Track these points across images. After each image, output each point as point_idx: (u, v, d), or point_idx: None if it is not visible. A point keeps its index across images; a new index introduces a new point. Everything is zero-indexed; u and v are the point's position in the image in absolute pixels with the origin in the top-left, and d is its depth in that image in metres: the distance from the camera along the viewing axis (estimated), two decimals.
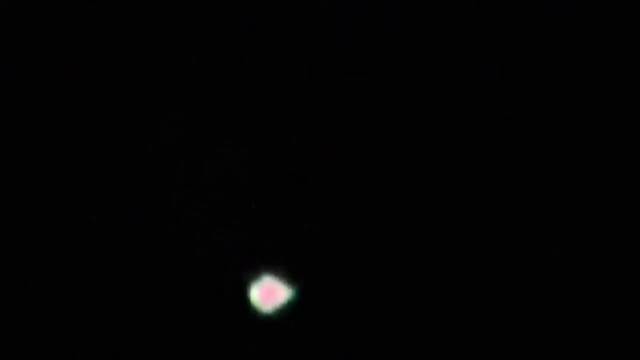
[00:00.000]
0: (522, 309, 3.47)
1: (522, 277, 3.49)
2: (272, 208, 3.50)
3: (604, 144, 3.49)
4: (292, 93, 3.47)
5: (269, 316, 3.45)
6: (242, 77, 3.45)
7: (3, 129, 3.40)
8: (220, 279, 3.47)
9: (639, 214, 3.46)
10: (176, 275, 3.45)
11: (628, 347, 3.40)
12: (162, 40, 3.42)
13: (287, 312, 3.46)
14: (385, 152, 3.50)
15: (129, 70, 3.42)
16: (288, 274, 3.49)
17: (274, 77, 3.46)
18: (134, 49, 3.42)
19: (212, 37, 3.42)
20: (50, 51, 3.40)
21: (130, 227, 3.43)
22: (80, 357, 3.35)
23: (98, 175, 3.44)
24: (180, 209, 3.47)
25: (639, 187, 3.47)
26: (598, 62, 3.46)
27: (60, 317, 3.37)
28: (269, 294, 3.45)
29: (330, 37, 3.42)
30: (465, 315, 3.47)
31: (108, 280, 3.42)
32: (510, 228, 3.50)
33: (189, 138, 3.46)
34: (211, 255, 3.47)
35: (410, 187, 3.51)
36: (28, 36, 3.38)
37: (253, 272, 3.48)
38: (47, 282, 3.39)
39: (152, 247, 3.44)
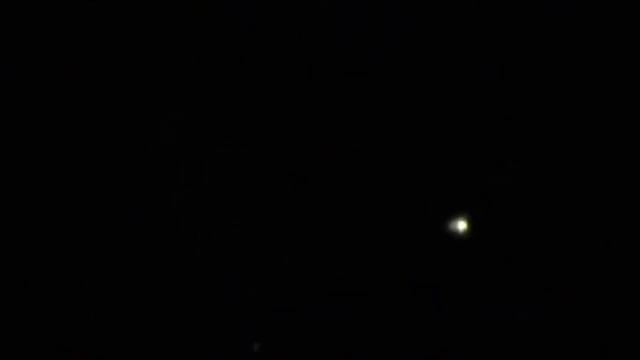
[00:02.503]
0: (522, 309, 3.47)
1: (521, 276, 3.49)
2: (271, 208, 3.50)
3: (604, 144, 3.49)
4: (292, 93, 3.48)
5: (269, 316, 3.46)
6: (242, 77, 3.46)
7: (3, 129, 3.41)
8: (219, 279, 3.47)
9: (638, 214, 3.47)
10: (176, 275, 3.45)
11: (628, 347, 3.40)
12: (162, 40, 3.42)
13: (287, 312, 3.47)
14: (385, 152, 3.50)
15: (129, 70, 3.42)
16: (288, 274, 3.50)
17: (274, 77, 3.46)
18: (134, 49, 3.42)
19: (212, 37, 3.42)
20: (50, 51, 3.40)
21: (130, 227, 3.44)
22: (80, 357, 3.35)
23: (98, 175, 3.44)
24: (180, 208, 3.47)
25: (638, 187, 3.47)
26: (598, 62, 3.47)
27: (60, 317, 3.38)
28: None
29: (330, 37, 3.43)
30: (465, 316, 3.48)
31: (108, 280, 3.42)
32: (509, 228, 3.51)
33: (189, 138, 3.46)
34: (211, 255, 3.47)
35: (410, 187, 3.52)
36: (28, 36, 3.39)
37: (253, 272, 3.48)
38: (47, 281, 3.39)
39: (152, 246, 3.45)
